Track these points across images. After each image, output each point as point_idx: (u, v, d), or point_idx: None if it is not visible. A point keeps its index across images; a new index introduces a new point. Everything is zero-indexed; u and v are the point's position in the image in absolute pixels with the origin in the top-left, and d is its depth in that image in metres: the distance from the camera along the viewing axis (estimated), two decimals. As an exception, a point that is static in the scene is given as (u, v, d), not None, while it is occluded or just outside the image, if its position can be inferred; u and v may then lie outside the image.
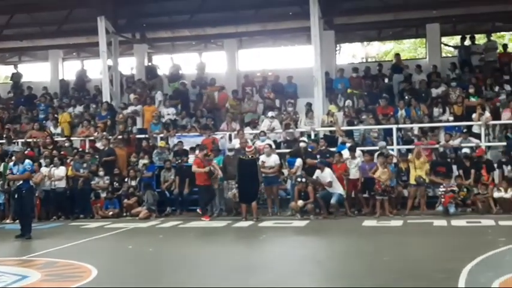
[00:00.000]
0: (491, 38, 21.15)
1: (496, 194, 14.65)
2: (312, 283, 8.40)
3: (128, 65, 23.63)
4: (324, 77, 19.18)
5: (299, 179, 14.92)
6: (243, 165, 14.99)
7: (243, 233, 13.43)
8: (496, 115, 16.86)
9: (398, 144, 16.88)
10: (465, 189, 14.85)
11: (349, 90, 19.47)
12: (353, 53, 30.40)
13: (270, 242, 12.29)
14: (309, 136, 17.46)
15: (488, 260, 9.11)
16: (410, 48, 30.62)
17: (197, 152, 16.12)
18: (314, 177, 14.89)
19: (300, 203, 14.78)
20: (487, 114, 16.61)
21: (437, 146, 16.37)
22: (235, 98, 20.23)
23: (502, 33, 26.78)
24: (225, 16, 21.55)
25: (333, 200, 14.60)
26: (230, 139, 17.70)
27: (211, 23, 21.93)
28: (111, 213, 16.41)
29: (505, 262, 8.99)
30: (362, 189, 15.30)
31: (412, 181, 15.03)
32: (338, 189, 14.71)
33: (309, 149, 16.15)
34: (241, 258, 10.35)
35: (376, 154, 15.75)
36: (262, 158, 15.68)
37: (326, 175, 14.70)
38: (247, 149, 15.42)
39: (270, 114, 18.22)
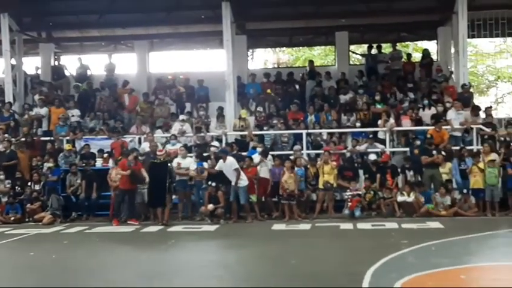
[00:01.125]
0: (397, 48, 21.94)
1: (399, 198, 15.16)
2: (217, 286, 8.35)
3: (33, 65, 22.68)
4: (236, 82, 19.25)
5: (209, 183, 14.85)
6: (153, 169, 14.73)
7: (151, 238, 13.16)
8: (400, 122, 17.48)
9: (307, 149, 17.14)
10: (372, 192, 15.28)
11: (269, 90, 19.57)
12: (265, 59, 30.72)
13: (179, 247, 12.11)
14: (219, 140, 17.41)
15: (392, 262, 9.39)
16: (321, 55, 31.29)
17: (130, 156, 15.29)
18: (217, 167, 14.86)
19: (210, 207, 14.71)
20: (392, 121, 17.20)
21: (344, 151, 16.77)
22: (145, 100, 19.86)
23: (407, 43, 27.94)
24: (135, 17, 21.17)
25: (242, 201, 14.65)
26: (140, 142, 17.37)
27: (121, 24, 21.50)
28: (12, 218, 15.64)
29: (407, 264, 9.29)
30: (272, 193, 15.40)
31: (320, 186, 15.31)
32: (245, 181, 14.70)
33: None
34: (149, 263, 10.12)
35: (292, 158, 15.93)
36: (178, 159, 15.53)
37: (230, 164, 14.69)
38: (158, 153, 15.18)
39: (181, 117, 18.02)
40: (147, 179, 14.77)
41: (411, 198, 14.99)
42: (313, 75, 20.52)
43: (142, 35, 22.46)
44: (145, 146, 16.50)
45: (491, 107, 19.39)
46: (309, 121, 17.93)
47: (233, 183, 14.69)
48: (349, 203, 14.80)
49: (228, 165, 14.71)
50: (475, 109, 17.05)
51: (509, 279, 8.22)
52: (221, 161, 14.85)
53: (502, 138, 16.38)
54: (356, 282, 7.92)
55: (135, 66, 22.93)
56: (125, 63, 23.93)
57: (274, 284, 8.22)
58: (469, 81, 20.34)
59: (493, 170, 14.89)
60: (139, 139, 17.54)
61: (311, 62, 22.28)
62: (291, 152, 16.38)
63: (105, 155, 16.89)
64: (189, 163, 15.62)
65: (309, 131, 17.49)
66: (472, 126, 16.66)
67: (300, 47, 29.57)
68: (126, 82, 20.53)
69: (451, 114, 16.95)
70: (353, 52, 23.28)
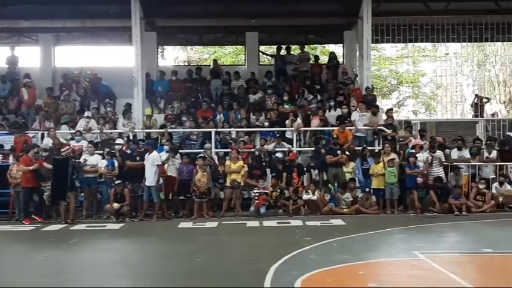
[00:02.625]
0: (305, 49, 22.38)
1: (304, 196, 15.51)
2: (118, 286, 8.22)
3: None
4: (145, 78, 18.99)
5: (115, 181, 14.63)
6: (56, 165, 14.29)
7: (52, 236, 12.72)
8: (307, 122, 17.89)
9: (216, 147, 17.16)
10: (278, 191, 15.52)
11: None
12: (175, 56, 30.49)
13: (81, 246, 11.77)
14: (127, 137, 17.12)
15: (294, 259, 9.59)
16: (232, 54, 31.44)
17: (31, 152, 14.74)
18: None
19: (116, 205, 14.46)
20: (299, 121, 17.56)
21: (253, 150, 16.96)
22: (50, 96, 19.20)
23: (315, 45, 28.60)
24: (39, 9, 20.37)
25: (155, 199, 14.58)
26: (42, 138, 16.78)
27: (24, 15, 20.60)
28: None
29: (309, 260, 9.50)
30: (179, 192, 15.32)
31: (227, 183, 15.40)
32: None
33: (129, 151, 15.86)
34: (47, 263, 9.81)
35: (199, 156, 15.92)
36: (85, 156, 15.20)
37: (153, 159, 14.62)
38: (62, 149, 14.72)
39: (86, 113, 17.58)
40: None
41: (316, 196, 15.38)
42: (217, 74, 20.55)
43: (47, 28, 21.62)
44: (48, 142, 15.97)
45: (392, 109, 20.14)
46: (218, 120, 17.99)
47: (148, 182, 14.51)
48: (256, 201, 14.99)
49: (151, 159, 14.54)
50: (375, 111, 17.69)
51: (405, 274, 8.58)
52: (147, 154, 14.71)
53: (402, 140, 17.14)
54: (259, 280, 8.02)
55: (40, 60, 22.08)
56: (29, 57, 23.00)
57: (177, 283, 8.20)
58: (373, 84, 21.17)
59: (393, 169, 15.52)
60: (42, 135, 16.93)
61: (215, 61, 22.35)
62: (201, 151, 16.37)
63: (6, 151, 16.18)
64: (96, 160, 15.27)
65: (218, 129, 17.53)
66: (374, 127, 17.30)
67: (211, 46, 29.57)
68: (26, 75, 19.77)
69: (355, 116, 17.53)
70: (263, 53, 23.56)
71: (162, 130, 17.30)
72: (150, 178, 14.57)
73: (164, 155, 15.35)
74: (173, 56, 30.02)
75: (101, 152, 15.86)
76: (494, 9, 20.61)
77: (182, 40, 25.55)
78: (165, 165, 15.16)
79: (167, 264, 9.54)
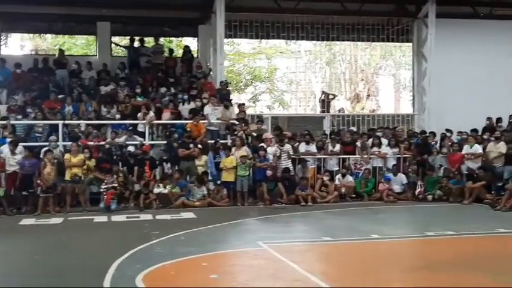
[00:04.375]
0: (160, 42, 22.17)
1: (156, 190, 15.37)
2: None
3: None
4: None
5: None
6: None
7: None
8: (160, 115, 17.74)
9: (64, 140, 16.47)
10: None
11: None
12: (21, 44, 28.86)
13: None
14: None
15: (140, 253, 9.53)
16: (84, 45, 30.33)
17: None
18: None
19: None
20: (152, 114, 17.36)
21: (103, 143, 16.50)
22: None
23: (171, 38, 28.42)
24: None
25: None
26: None
27: None
28: None
29: (154, 254, 9.46)
30: (21, 187, 14.52)
31: (68, 178, 14.86)
32: None
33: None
34: None
35: (43, 150, 15.17)
36: None
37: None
38: None
39: None
40: None
41: (167, 189, 15.31)
42: (62, 64, 19.73)
43: None
44: None
45: (244, 104, 20.59)
46: (67, 112, 17.29)
47: None
48: (105, 196, 14.61)
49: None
50: (227, 104, 17.98)
51: (246, 263, 8.85)
52: None
53: (254, 133, 17.58)
54: (99, 275, 7.84)
55: None
56: None
57: (12, 282, 7.79)
58: (227, 79, 21.47)
59: (244, 162, 15.84)
60: None
61: (60, 50, 21.39)
62: (46, 144, 15.65)
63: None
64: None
65: (66, 121, 16.85)
66: (226, 121, 17.56)
67: (62, 35, 28.30)
68: None
69: (207, 110, 17.67)
70: (116, 44, 22.93)
71: (4, 122, 16.30)
72: None
73: (5, 148, 14.48)
74: (20, 44, 28.37)
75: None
76: (340, 10, 21.76)
77: (29, 28, 24.17)
78: (6, 159, 14.31)
79: (3, 262, 9.02)
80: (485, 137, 17.59)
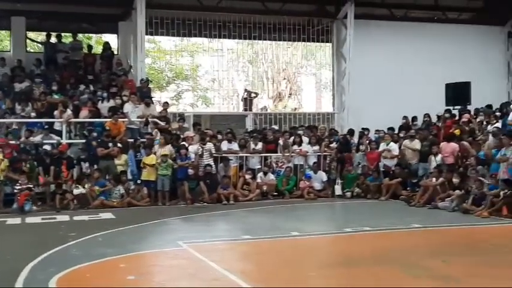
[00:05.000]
0: (78, 38, 21.55)
1: (75, 191, 14.93)
2: None
3: None
4: None
5: None
6: None
7: None
8: (78, 113, 17.25)
9: (-25, 139, 15.77)
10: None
11: None
12: None
13: None
14: None
15: (55, 256, 9.21)
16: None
17: None
18: None
19: None
20: (69, 112, 16.88)
21: (17, 142, 15.87)
22: None
23: (90, 34, 27.69)
24: None
25: None
26: None
27: None
28: None
29: (69, 256, 9.15)
30: None
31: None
32: None
33: None
34: None
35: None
36: None
37: None
38: None
39: None
40: None
41: (85, 190, 14.91)
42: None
43: None
44: None
45: (166, 102, 20.33)
46: (-22, 110, 16.57)
47: None
48: (19, 197, 14.06)
49: None
50: (148, 102, 17.72)
51: (166, 264, 8.73)
52: None
53: (175, 132, 17.40)
54: (10, 280, 7.50)
55: None
56: None
57: None
58: (148, 76, 21.16)
59: (165, 161, 15.66)
60: None
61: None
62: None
63: None
64: None
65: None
66: (147, 119, 17.30)
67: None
68: None
69: (127, 107, 17.34)
70: (31, 39, 22.13)
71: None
72: None
73: None
74: None
75: None
76: (262, 9, 21.91)
77: None
78: None
79: None
80: (401, 135, 18.14)
